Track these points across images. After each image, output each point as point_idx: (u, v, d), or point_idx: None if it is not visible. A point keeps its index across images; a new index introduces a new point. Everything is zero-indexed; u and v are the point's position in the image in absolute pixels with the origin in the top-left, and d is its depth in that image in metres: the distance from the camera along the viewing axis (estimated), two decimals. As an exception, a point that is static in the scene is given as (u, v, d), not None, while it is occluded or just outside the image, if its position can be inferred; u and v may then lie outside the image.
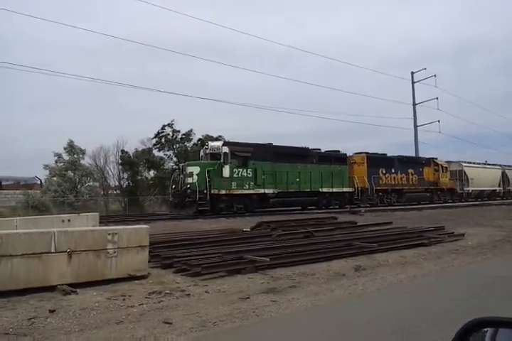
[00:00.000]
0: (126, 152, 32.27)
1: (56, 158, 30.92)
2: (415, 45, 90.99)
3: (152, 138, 33.43)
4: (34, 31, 62.57)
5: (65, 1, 64.14)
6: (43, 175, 32.52)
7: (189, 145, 33.66)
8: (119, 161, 32.15)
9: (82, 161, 31.48)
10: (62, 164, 30.80)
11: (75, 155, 31.02)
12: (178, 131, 33.64)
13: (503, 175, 42.22)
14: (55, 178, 30.27)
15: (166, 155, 33.77)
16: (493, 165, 42.88)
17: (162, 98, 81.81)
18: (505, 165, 44.04)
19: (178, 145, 33.59)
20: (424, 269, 7.59)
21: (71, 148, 30.88)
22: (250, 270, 7.17)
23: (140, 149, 33.18)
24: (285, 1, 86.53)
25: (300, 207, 25.12)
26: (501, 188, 41.79)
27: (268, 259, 7.42)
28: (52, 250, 5.88)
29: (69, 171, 30.38)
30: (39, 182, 34.97)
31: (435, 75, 41.29)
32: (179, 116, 38.01)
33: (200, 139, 33.37)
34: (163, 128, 33.43)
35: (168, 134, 33.57)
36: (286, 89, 77.93)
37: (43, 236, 5.92)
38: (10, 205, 28.03)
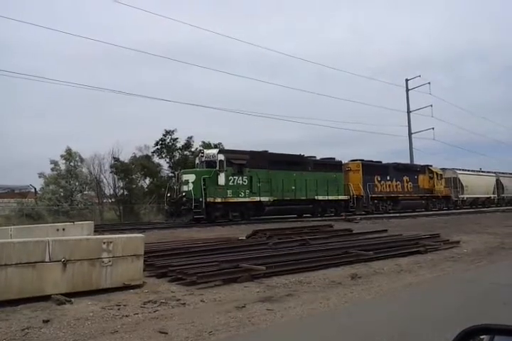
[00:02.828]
0: (118, 159, 32.07)
1: (52, 165, 30.76)
2: (412, 52, 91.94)
3: (154, 145, 33.33)
4: (29, 38, 62.66)
5: (58, 8, 64.47)
6: (37, 183, 32.37)
7: (188, 153, 33.59)
8: (112, 169, 31.93)
9: (80, 169, 31.35)
10: (57, 172, 30.61)
11: (72, 163, 30.86)
12: (177, 139, 33.63)
13: (498, 182, 42.44)
14: (50, 186, 30.09)
15: (168, 163, 33.69)
16: (487, 172, 43.14)
17: (157, 105, 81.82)
18: (500, 173, 44.30)
19: (178, 154, 33.53)
20: (420, 277, 7.59)
21: (69, 155, 30.67)
22: (246, 278, 7.14)
23: (137, 156, 33.08)
24: (280, 8, 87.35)
25: (295, 215, 25.10)
26: (496, 195, 41.98)
27: (264, 268, 7.40)
28: (47, 259, 5.83)
29: (64, 180, 30.13)
30: (33, 190, 34.78)
31: (429, 83, 41.74)
32: (174, 124, 38.10)
33: (203, 142, 33.38)
34: (164, 135, 33.31)
35: (168, 142, 33.48)
36: (280, 96, 78.29)
37: (38, 246, 5.88)
38: (4, 214, 27.83)
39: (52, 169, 30.86)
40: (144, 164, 32.16)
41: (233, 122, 66.59)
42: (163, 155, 33.47)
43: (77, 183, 30.77)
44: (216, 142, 34.03)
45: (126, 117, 63.08)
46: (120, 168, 31.41)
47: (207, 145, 31.93)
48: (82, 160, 31.46)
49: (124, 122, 62.69)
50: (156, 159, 33.62)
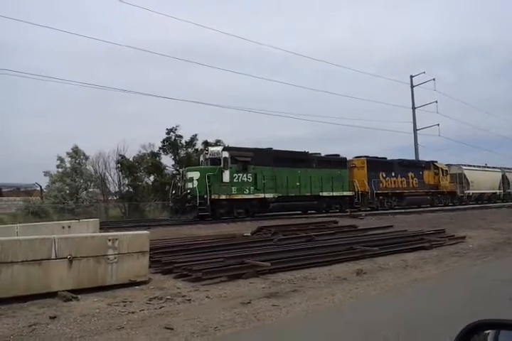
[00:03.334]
0: (124, 156, 32.17)
1: (59, 162, 30.92)
2: (414, 49, 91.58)
3: (162, 142, 33.33)
4: (32, 37, 62.86)
5: (61, 8, 64.59)
6: (43, 181, 32.58)
7: (191, 151, 33.61)
8: (118, 166, 32.05)
9: (85, 167, 31.54)
10: (63, 169, 30.79)
11: (78, 161, 31.03)
12: (181, 136, 33.63)
13: (503, 177, 42.22)
14: (56, 184, 30.25)
15: (175, 159, 33.71)
16: (493, 167, 42.91)
17: (162, 103, 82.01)
18: (505, 168, 44.04)
19: (183, 151, 33.55)
20: (426, 273, 7.57)
21: (75, 153, 30.85)
22: (251, 274, 7.16)
23: (141, 153, 33.15)
24: (283, 6, 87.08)
25: (300, 212, 25.10)
26: (501, 191, 41.78)
27: (269, 264, 7.40)
28: (53, 256, 5.87)
29: (69, 178, 30.29)
30: (39, 188, 34.98)
31: (434, 79, 41.49)
32: (178, 122, 38.10)
33: (205, 142, 33.31)
34: (168, 133, 33.31)
35: (173, 139, 33.48)
36: (284, 93, 78.14)
37: (44, 243, 5.91)
38: (10, 212, 28.00)
39: (57, 166, 31.08)
40: (150, 161, 32.24)
41: (236, 119, 66.79)
42: (169, 151, 33.52)
43: (81, 181, 30.95)
44: (219, 138, 34.06)
45: (130, 115, 63.24)
46: (126, 165, 31.50)
47: (209, 144, 31.92)
48: (86, 157, 31.66)
49: (127, 120, 62.92)
50: (162, 156, 33.73)
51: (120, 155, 32.00)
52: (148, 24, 70.03)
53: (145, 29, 70.03)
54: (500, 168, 43.25)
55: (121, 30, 66.54)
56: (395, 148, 78.82)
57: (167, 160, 33.88)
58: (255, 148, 23.33)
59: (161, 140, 33.29)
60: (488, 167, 42.72)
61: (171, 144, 33.22)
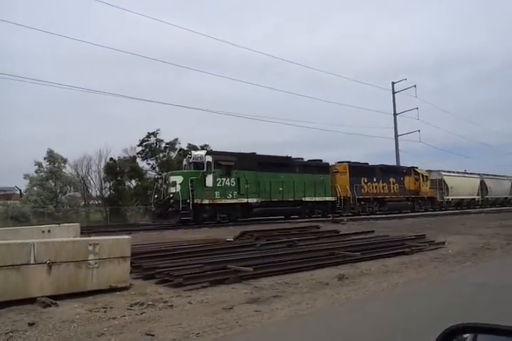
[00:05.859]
0: (114, 160, 31.84)
1: (37, 167, 30.53)
2: (396, 58, 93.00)
3: (138, 145, 33.07)
4: (21, 40, 61.85)
5: (52, 11, 63.80)
6: (22, 184, 32.05)
7: (173, 154, 33.45)
8: (103, 170, 31.68)
9: (63, 170, 31.19)
10: (42, 174, 30.38)
11: (56, 164, 30.66)
12: (162, 141, 33.43)
13: (482, 183, 43.03)
14: (35, 188, 29.80)
15: (150, 164, 33.52)
16: (471, 174, 43.70)
17: (148, 107, 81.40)
18: (484, 174, 44.91)
19: (162, 155, 33.32)
20: (406, 277, 7.66)
21: (51, 157, 30.52)
22: (234, 280, 7.14)
23: (123, 157, 32.87)
24: (268, 12, 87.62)
25: (283, 216, 25.16)
26: (480, 197, 42.54)
27: (251, 269, 7.40)
28: (32, 261, 5.76)
29: (50, 181, 29.94)
30: (19, 191, 34.33)
31: (415, 86, 42.15)
32: (164, 126, 37.98)
33: (181, 149, 33.14)
34: (148, 136, 33.10)
35: (153, 143, 33.28)
36: (268, 98, 78.40)
37: (22, 248, 5.81)
38: (-12, 216, 27.38)
39: (36, 171, 30.66)
40: (132, 166, 31.98)
41: (223, 124, 66.56)
42: (148, 156, 33.25)
43: (61, 184, 30.57)
44: (202, 144, 33.98)
45: (114, 119, 62.65)
46: (112, 168, 31.14)
47: (192, 147, 31.83)
48: (65, 161, 31.30)
49: (112, 124, 62.30)
50: (140, 161, 33.47)
51: (111, 158, 31.70)
52: (137, 28, 69.56)
53: (133, 33, 69.60)
54: (478, 174, 44.07)
55: (104, 34, 65.89)
56: (376, 153, 79.70)
57: (145, 165, 33.70)
58: (238, 153, 23.35)
59: (139, 144, 33.13)
60: (467, 173, 43.51)
61: (150, 149, 33.00)
